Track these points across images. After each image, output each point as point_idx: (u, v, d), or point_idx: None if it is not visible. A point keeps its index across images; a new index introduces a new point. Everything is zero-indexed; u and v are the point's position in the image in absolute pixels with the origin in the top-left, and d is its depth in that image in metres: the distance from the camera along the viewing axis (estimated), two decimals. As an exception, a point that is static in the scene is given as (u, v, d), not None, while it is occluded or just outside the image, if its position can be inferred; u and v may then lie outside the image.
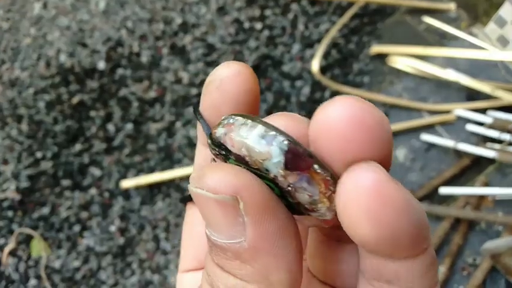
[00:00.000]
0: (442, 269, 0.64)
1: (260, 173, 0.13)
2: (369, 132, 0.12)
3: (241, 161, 0.13)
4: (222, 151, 0.14)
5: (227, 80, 0.16)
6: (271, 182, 0.14)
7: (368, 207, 0.12)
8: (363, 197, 0.12)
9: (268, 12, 0.89)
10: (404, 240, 0.12)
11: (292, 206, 0.14)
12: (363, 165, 0.12)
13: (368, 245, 0.13)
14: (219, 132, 0.14)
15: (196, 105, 0.18)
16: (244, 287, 0.14)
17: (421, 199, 0.70)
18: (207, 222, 0.14)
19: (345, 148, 0.12)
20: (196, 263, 0.20)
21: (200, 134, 0.19)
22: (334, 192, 0.13)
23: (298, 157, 0.13)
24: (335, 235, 0.17)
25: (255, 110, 0.17)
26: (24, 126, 0.79)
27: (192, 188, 0.13)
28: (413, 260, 0.13)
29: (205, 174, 0.13)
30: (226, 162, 0.14)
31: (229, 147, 0.14)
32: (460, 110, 0.76)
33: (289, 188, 0.13)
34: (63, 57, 0.83)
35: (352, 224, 0.12)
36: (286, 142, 0.13)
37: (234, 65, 0.16)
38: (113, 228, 0.73)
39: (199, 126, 0.18)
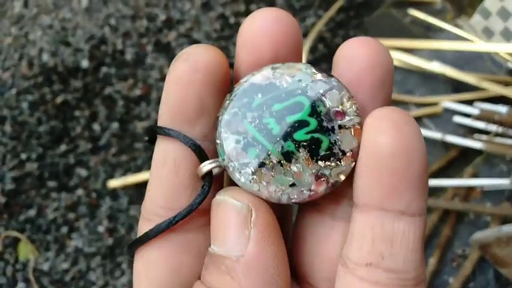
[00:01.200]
0: (432, 261, 0.64)
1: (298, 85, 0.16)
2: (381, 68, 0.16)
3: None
4: None
5: (196, 53, 0.17)
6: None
7: (396, 120, 0.15)
8: (392, 113, 0.15)
9: (253, 6, 0.88)
10: (415, 166, 0.14)
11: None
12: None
13: (383, 156, 0.14)
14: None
15: (153, 128, 0.18)
16: None
17: (410, 192, 0.70)
18: (215, 234, 0.15)
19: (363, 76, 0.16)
20: (164, 211, 0.18)
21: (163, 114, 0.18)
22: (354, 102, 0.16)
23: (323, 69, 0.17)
24: (329, 209, 0.17)
25: (226, 83, 0.17)
26: (7, 128, 0.77)
27: (217, 197, 0.15)
28: (410, 219, 0.14)
29: (231, 188, 0.15)
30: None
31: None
32: (447, 102, 0.77)
33: (322, 92, 0.16)
34: (46, 57, 0.82)
35: (377, 132, 0.15)
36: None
37: (201, 44, 0.17)
38: (101, 228, 0.72)
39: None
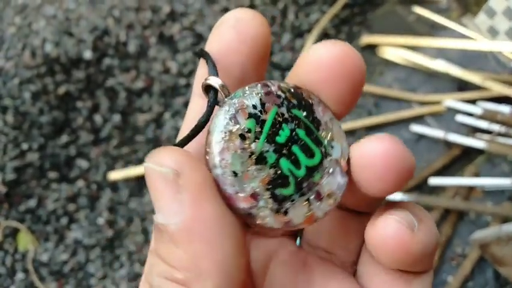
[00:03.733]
0: (431, 259, 0.64)
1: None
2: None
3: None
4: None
5: (244, 21, 0.16)
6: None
7: (399, 256, 0.15)
8: (393, 250, 0.15)
9: (257, 1, 0.88)
10: (423, 260, 0.16)
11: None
12: (391, 215, 0.15)
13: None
14: None
15: (202, 50, 0.17)
16: (171, 274, 0.13)
17: (411, 190, 0.70)
18: (154, 202, 0.14)
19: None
20: None
21: (197, 85, 0.17)
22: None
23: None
24: (351, 204, 0.19)
25: (267, 55, 0.17)
26: (9, 118, 0.77)
27: (144, 164, 0.14)
28: (421, 276, 0.17)
29: (156, 151, 0.14)
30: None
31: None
32: (450, 100, 0.76)
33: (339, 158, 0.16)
34: (49, 47, 0.82)
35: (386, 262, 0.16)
36: None
37: (247, 9, 0.16)
38: (101, 220, 0.72)
39: (198, 73, 0.17)
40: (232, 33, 0.16)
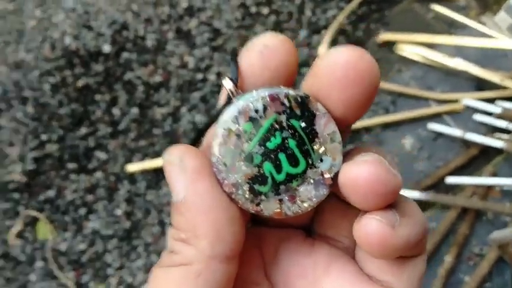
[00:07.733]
0: (448, 259, 0.64)
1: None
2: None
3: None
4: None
5: (271, 48, 0.17)
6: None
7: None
8: (377, 245, 0.17)
9: (275, -3, 0.88)
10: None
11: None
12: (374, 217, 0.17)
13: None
14: None
15: (235, 51, 0.19)
16: (177, 234, 0.18)
17: (428, 188, 0.70)
18: (169, 186, 0.18)
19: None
20: None
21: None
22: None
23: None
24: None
25: (291, 81, 0.18)
26: (29, 109, 0.78)
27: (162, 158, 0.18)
28: (413, 260, 0.18)
29: (170, 148, 0.18)
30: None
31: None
32: (468, 99, 0.76)
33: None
34: (68, 40, 0.82)
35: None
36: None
37: (279, 35, 0.17)
38: (119, 211, 0.73)
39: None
40: (258, 58, 0.17)
